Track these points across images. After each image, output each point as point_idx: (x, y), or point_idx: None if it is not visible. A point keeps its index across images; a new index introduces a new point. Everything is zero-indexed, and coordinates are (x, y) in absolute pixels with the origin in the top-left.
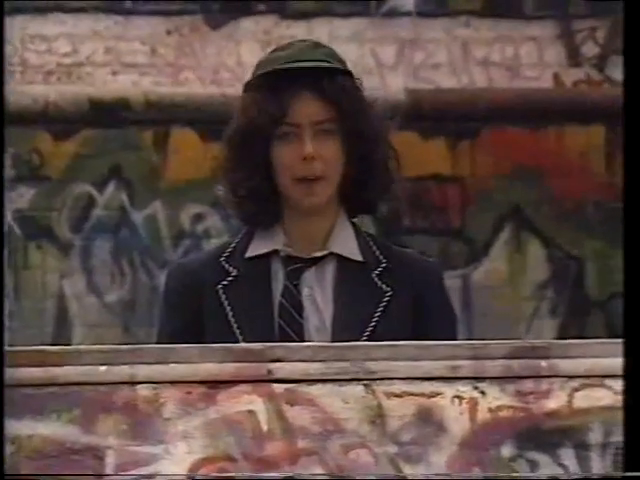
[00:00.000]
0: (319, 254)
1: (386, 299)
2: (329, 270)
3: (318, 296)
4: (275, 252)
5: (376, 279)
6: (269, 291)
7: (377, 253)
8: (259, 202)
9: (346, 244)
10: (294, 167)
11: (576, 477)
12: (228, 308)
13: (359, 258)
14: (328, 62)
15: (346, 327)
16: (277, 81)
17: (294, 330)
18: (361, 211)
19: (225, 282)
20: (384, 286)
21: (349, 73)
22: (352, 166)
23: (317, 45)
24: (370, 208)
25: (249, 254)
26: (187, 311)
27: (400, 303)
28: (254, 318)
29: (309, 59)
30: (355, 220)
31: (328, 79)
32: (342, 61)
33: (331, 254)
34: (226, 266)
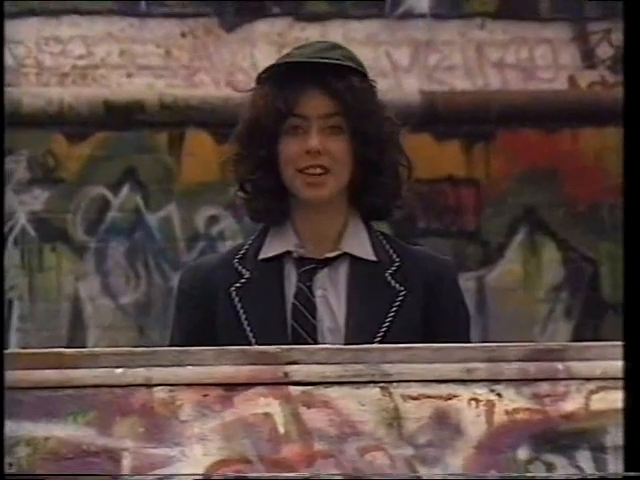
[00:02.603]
0: (332, 255)
1: (399, 299)
2: (342, 270)
3: (331, 297)
4: (288, 253)
5: (389, 278)
6: (282, 293)
7: (390, 252)
8: (266, 198)
9: (359, 243)
10: (298, 159)
11: (576, 477)
12: (241, 311)
13: (372, 258)
14: (344, 63)
15: (360, 328)
16: (287, 76)
17: (307, 332)
18: (374, 217)
19: (238, 284)
20: (397, 285)
21: (363, 74)
22: (359, 167)
23: (335, 46)
24: (382, 214)
25: (262, 256)
26: (200, 313)
27: (414, 302)
28: (267, 320)
29: (324, 58)
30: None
31: (337, 76)
32: (359, 63)
33: (344, 254)
34: (239, 268)
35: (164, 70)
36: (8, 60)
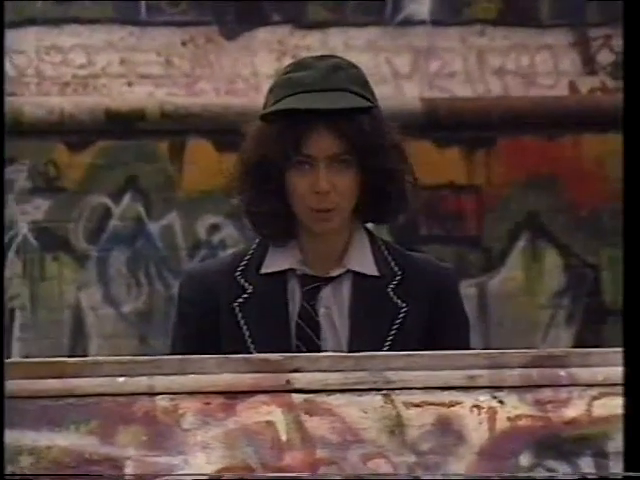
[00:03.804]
0: (336, 273)
1: (401, 315)
2: (346, 287)
3: (335, 315)
4: (291, 269)
5: (391, 294)
6: (286, 311)
7: (392, 264)
8: (273, 221)
9: (362, 259)
10: (308, 198)
11: (576, 477)
12: (245, 327)
13: (375, 273)
14: (349, 91)
15: (362, 347)
16: (293, 116)
17: (311, 352)
18: (376, 221)
19: (241, 299)
20: (399, 302)
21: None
22: (368, 194)
23: (338, 67)
24: (385, 220)
25: (264, 270)
26: (201, 322)
27: (415, 316)
28: (271, 338)
29: (330, 87)
30: (369, 225)
31: (345, 117)
32: (364, 82)
33: (347, 270)
34: (242, 281)
35: (165, 79)
36: (9, 70)
